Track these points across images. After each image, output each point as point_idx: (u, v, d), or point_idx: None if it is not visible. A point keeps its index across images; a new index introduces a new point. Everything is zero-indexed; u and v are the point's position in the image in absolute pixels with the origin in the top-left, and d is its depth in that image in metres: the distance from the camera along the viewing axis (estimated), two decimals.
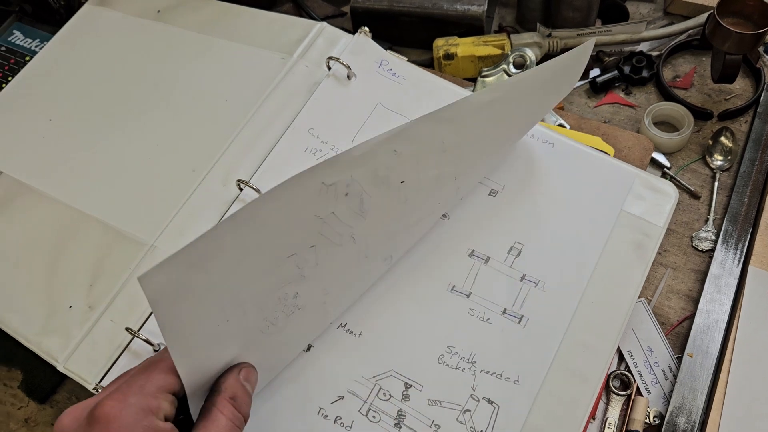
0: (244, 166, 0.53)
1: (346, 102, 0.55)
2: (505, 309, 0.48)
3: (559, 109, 0.65)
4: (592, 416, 0.50)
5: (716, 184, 0.60)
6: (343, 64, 0.56)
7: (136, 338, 0.46)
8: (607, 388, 0.51)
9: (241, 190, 0.51)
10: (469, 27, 0.67)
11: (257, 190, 0.51)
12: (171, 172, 0.54)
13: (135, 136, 0.57)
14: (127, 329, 0.46)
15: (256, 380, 0.39)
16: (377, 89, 0.56)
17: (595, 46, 0.68)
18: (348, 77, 0.56)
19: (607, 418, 0.50)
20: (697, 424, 0.48)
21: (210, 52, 0.61)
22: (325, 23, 0.62)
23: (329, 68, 0.57)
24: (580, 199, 0.51)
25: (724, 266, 0.55)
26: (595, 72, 0.68)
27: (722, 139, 0.62)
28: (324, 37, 0.60)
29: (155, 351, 0.46)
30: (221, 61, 0.61)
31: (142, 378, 0.34)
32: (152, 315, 0.47)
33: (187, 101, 0.59)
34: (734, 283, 0.54)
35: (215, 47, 0.62)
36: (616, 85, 0.67)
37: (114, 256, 0.50)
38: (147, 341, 0.45)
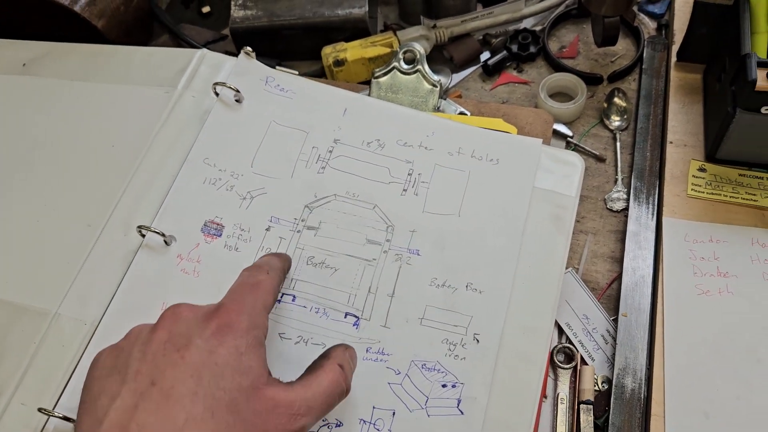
0: (143, 211, 0.50)
1: (238, 126, 0.53)
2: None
3: (457, 97, 0.65)
4: (543, 395, 0.50)
5: (618, 144, 0.61)
6: (230, 87, 0.54)
7: (52, 417, 0.42)
8: (552, 364, 0.51)
9: (143, 236, 0.48)
10: (354, 30, 0.67)
11: (161, 234, 0.48)
12: (64, 232, 0.50)
13: (18, 199, 0.53)
14: (40, 410, 0.42)
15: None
16: (268, 107, 0.54)
17: (481, 29, 0.68)
18: (237, 101, 0.54)
19: (558, 394, 0.50)
20: (643, 381, 0.49)
21: (87, 98, 0.58)
22: (205, 50, 0.59)
23: (217, 94, 0.54)
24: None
25: (640, 222, 0.56)
26: (485, 55, 0.69)
27: (615, 100, 0.63)
28: (207, 63, 0.58)
29: None
30: (101, 106, 0.57)
31: (251, 296, 0.37)
32: (67, 387, 0.44)
33: (71, 154, 0.55)
34: (652, 236, 0.55)
35: (92, 92, 0.58)
36: (508, 64, 0.68)
37: (15, 333, 0.46)
38: (65, 418, 0.42)
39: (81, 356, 0.45)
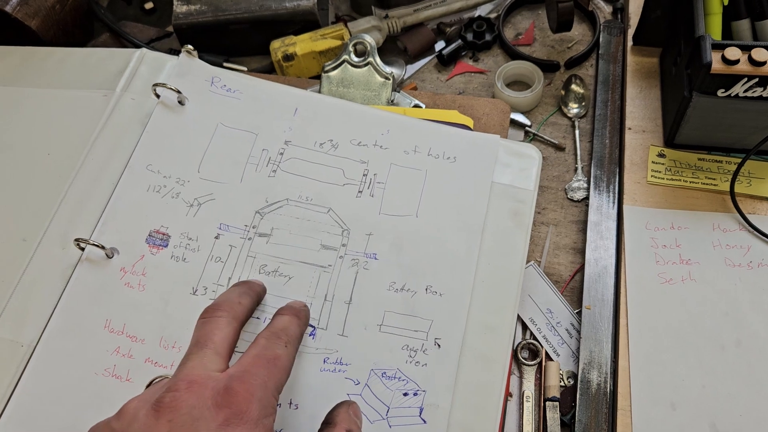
0: (81, 223, 0.47)
1: (182, 129, 0.51)
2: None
3: (413, 89, 0.64)
4: (508, 394, 0.49)
5: (577, 132, 0.60)
6: (171, 88, 0.51)
7: None
8: (517, 361, 0.50)
9: (82, 249, 0.46)
10: (304, 23, 0.64)
11: (101, 247, 0.45)
12: None
13: None
14: None
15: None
16: (214, 109, 0.51)
17: (434, 18, 0.66)
18: (180, 102, 0.51)
19: (524, 392, 0.49)
20: (609, 375, 0.48)
21: (20, 104, 0.54)
22: (145, 49, 0.56)
23: (158, 96, 0.52)
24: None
25: (601, 211, 0.55)
26: (440, 45, 0.67)
27: (573, 87, 0.62)
28: (147, 64, 0.55)
29: None
30: (36, 111, 0.54)
31: (265, 374, 0.34)
32: (4, 413, 0.41)
33: (4, 163, 0.51)
34: (613, 225, 0.54)
35: (26, 98, 0.55)
36: (463, 54, 0.66)
37: None
38: None
39: (18, 380, 0.42)
